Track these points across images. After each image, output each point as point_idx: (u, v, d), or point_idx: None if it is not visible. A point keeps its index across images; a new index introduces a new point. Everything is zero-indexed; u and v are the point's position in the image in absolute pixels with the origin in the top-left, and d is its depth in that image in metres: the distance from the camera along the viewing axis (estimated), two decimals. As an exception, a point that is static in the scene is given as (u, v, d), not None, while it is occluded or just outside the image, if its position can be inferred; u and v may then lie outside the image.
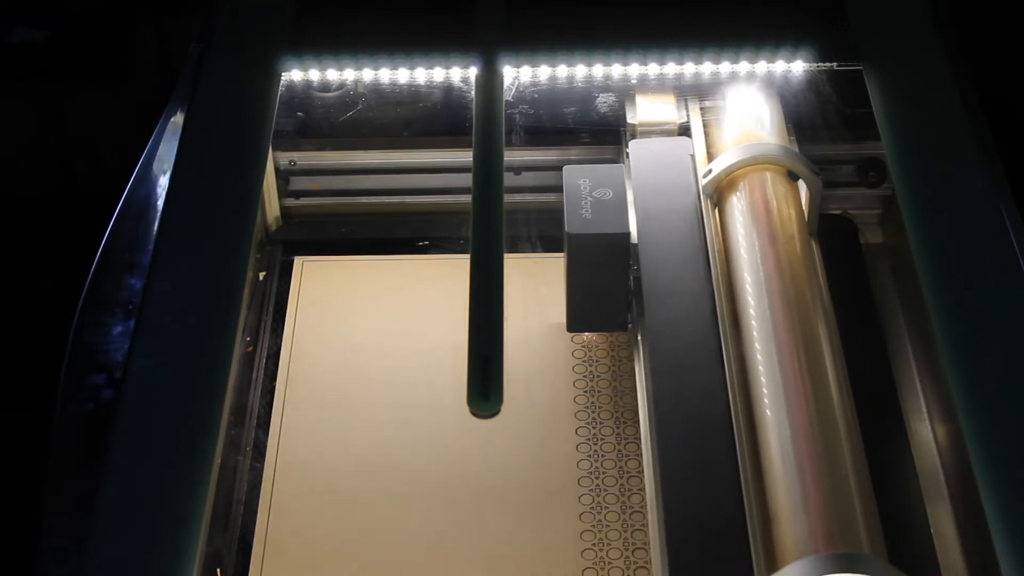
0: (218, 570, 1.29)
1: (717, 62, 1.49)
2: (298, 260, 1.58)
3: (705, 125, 1.50)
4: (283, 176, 1.62)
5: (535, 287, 1.52)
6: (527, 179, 1.60)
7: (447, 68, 1.50)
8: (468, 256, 1.28)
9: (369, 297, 1.54)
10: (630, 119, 1.52)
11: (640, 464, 1.37)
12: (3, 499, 1.93)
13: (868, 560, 1.07)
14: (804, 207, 1.40)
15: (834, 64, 1.49)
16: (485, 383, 1.18)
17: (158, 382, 1.21)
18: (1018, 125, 1.98)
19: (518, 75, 1.54)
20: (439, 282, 1.54)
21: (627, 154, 1.48)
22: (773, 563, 1.12)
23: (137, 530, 1.12)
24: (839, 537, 1.10)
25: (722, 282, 1.33)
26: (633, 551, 1.31)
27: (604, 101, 1.59)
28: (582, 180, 1.43)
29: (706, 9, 1.52)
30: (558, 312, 1.49)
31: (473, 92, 1.46)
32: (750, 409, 1.23)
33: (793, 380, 1.21)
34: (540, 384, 1.44)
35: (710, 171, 1.41)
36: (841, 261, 1.44)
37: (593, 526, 1.33)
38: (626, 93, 1.55)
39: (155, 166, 1.47)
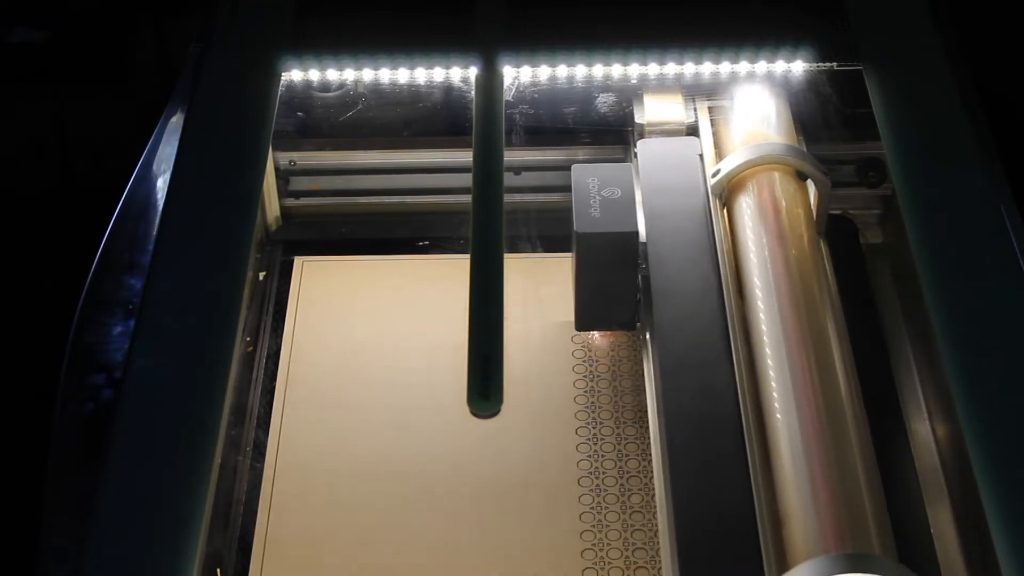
0: (218, 570, 1.29)
1: (717, 62, 1.49)
2: (298, 260, 1.58)
3: (713, 125, 1.50)
4: (283, 176, 1.62)
5: (535, 287, 1.52)
6: (528, 179, 1.60)
7: (447, 68, 1.50)
8: (468, 256, 1.28)
9: (369, 297, 1.54)
10: (638, 119, 1.52)
11: (640, 464, 1.37)
12: (3, 499, 1.93)
13: (879, 560, 1.07)
14: (812, 207, 1.40)
15: (834, 64, 1.49)
16: (485, 383, 1.18)
17: (158, 382, 1.21)
18: (1018, 125, 1.98)
19: (518, 75, 1.54)
20: (439, 282, 1.54)
21: (635, 154, 1.48)
22: (783, 563, 1.12)
23: (137, 530, 1.12)
24: (849, 537, 1.10)
25: (731, 282, 1.33)
26: (633, 551, 1.31)
27: (609, 101, 1.59)
28: (591, 179, 1.43)
29: (706, 9, 1.52)
30: (558, 312, 1.49)
31: (473, 92, 1.46)
32: (759, 408, 1.23)
33: (802, 379, 1.21)
34: (540, 384, 1.44)
35: (719, 171, 1.41)
36: (841, 261, 1.44)
37: (593, 526, 1.33)
38: (633, 93, 1.55)
39: (155, 166, 1.47)
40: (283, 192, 1.63)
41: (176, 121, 1.48)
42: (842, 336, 1.28)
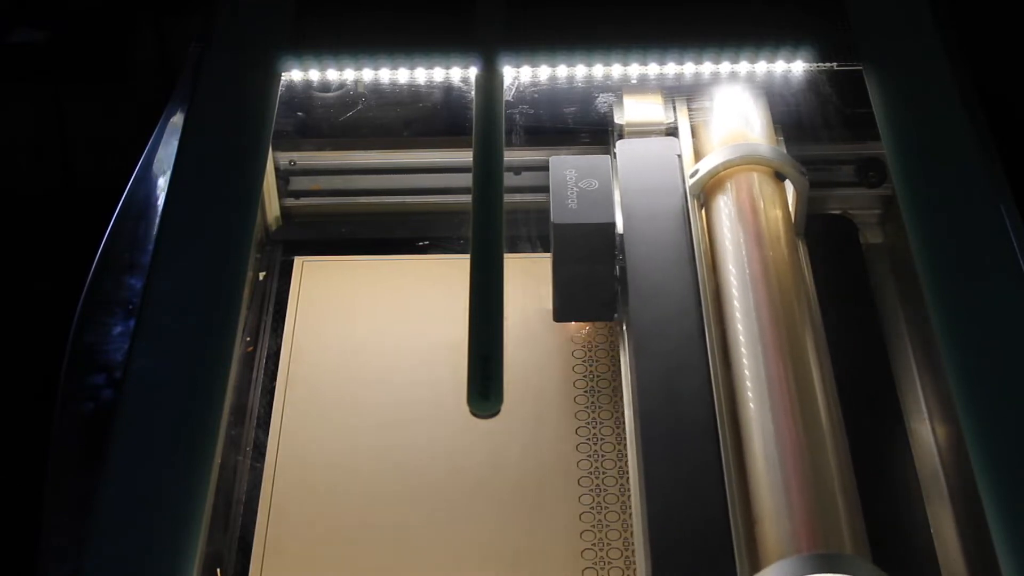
0: (218, 570, 1.29)
1: (717, 62, 1.49)
2: (298, 260, 1.58)
3: (693, 126, 1.50)
4: (283, 176, 1.62)
5: (535, 287, 1.52)
6: (527, 179, 1.60)
7: (447, 68, 1.50)
8: (468, 256, 1.28)
9: (369, 297, 1.54)
10: (618, 119, 1.52)
11: (640, 464, 1.38)
12: (3, 499, 1.93)
13: (851, 560, 1.07)
14: (791, 207, 1.40)
15: (834, 64, 1.49)
16: (485, 383, 1.18)
17: (158, 382, 1.21)
18: (1018, 125, 1.98)
19: (518, 75, 1.54)
20: (439, 282, 1.54)
21: (614, 154, 1.48)
22: (756, 563, 1.12)
23: (137, 530, 1.12)
24: (822, 538, 1.10)
25: (708, 282, 1.33)
26: (633, 551, 1.31)
27: (601, 101, 1.59)
28: (568, 171, 1.43)
29: (706, 9, 1.52)
30: (558, 312, 1.49)
31: (473, 92, 1.46)
32: (735, 409, 1.23)
33: (778, 380, 1.21)
34: (540, 384, 1.44)
35: (697, 171, 1.41)
36: (841, 261, 1.44)
37: (593, 526, 1.33)
38: (614, 93, 1.55)
39: (155, 166, 1.47)
40: (283, 192, 1.62)
41: (176, 121, 1.48)
42: (819, 337, 1.28)
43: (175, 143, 1.42)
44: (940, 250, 1.29)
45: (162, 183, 1.42)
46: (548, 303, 1.49)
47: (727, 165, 1.39)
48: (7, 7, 2.41)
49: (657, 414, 1.25)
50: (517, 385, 1.40)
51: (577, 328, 1.50)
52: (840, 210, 1.58)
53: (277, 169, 1.61)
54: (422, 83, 1.55)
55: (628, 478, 1.36)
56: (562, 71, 1.51)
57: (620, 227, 1.39)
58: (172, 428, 1.18)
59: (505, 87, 1.47)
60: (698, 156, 1.45)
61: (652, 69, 1.51)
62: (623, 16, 1.52)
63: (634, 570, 1.29)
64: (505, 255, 1.29)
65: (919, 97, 1.44)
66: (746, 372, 1.23)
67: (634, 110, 1.52)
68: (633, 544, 1.31)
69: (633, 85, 1.53)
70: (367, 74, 1.55)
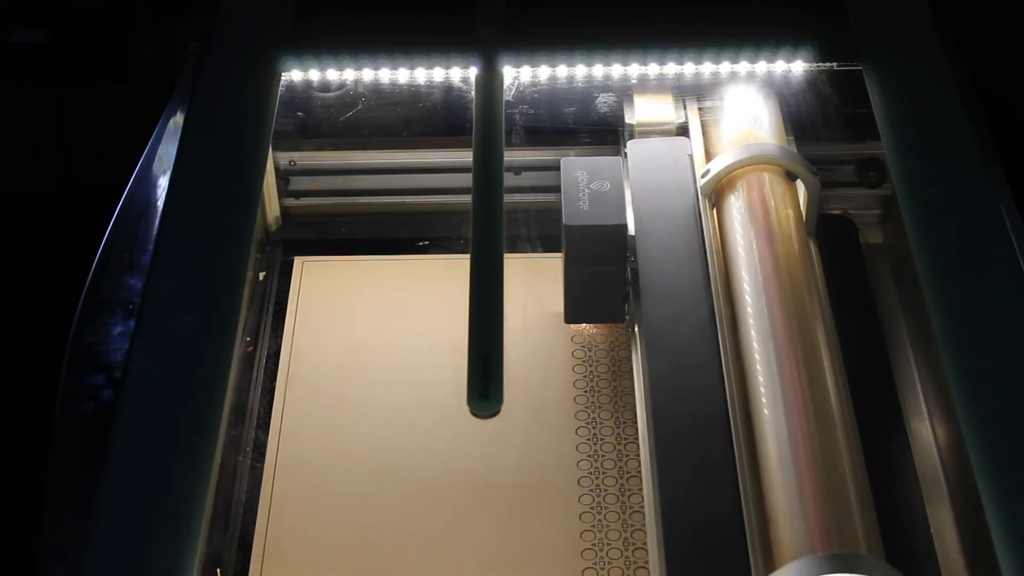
0: (218, 570, 1.29)
1: (717, 62, 1.49)
2: (298, 260, 1.58)
3: (703, 125, 1.50)
4: (283, 176, 1.62)
5: (535, 287, 1.52)
6: (527, 179, 1.60)
7: (447, 68, 1.50)
8: (468, 256, 1.28)
9: (369, 297, 1.54)
10: (628, 119, 1.52)
11: (640, 464, 1.37)
12: (3, 499, 1.93)
13: (865, 560, 1.07)
14: (802, 207, 1.40)
15: (834, 64, 1.49)
16: (485, 383, 1.18)
17: (158, 382, 1.21)
18: (1018, 125, 1.98)
19: (518, 75, 1.54)
20: (439, 282, 1.54)
21: (625, 154, 1.48)
22: (771, 563, 1.12)
23: (137, 530, 1.12)
24: (836, 537, 1.10)
25: (720, 282, 1.33)
26: (633, 551, 1.31)
27: (603, 101, 1.59)
28: (580, 172, 1.43)
29: (706, 9, 1.52)
30: (558, 312, 1.49)
31: (473, 92, 1.46)
32: (748, 408, 1.23)
33: (791, 380, 1.21)
34: (540, 384, 1.44)
35: (708, 171, 1.41)
36: (841, 261, 1.44)
37: (593, 526, 1.33)
38: (624, 93, 1.55)
39: (155, 166, 1.47)
40: (283, 192, 1.63)
41: (176, 121, 1.48)
42: (831, 336, 1.28)
43: (175, 143, 1.42)
44: (940, 250, 1.29)
45: (162, 183, 1.42)
46: (548, 303, 1.49)
47: (738, 165, 1.39)
48: (7, 7, 2.41)
49: (670, 414, 1.25)
50: (517, 385, 1.40)
51: (577, 328, 1.50)
52: (840, 210, 1.58)
53: (277, 169, 1.61)
54: (422, 83, 1.55)
55: (628, 478, 1.36)
56: (563, 71, 1.51)
57: (632, 228, 1.39)
58: (172, 428, 1.18)
59: (505, 87, 1.47)
60: (709, 156, 1.45)
61: (652, 69, 1.51)
62: (623, 16, 1.52)
63: (635, 570, 1.29)
64: (505, 255, 1.29)
65: (919, 97, 1.44)
66: (759, 372, 1.23)
67: (645, 110, 1.52)
68: (633, 544, 1.31)
69: (643, 85, 1.53)
70: (367, 74, 1.55)
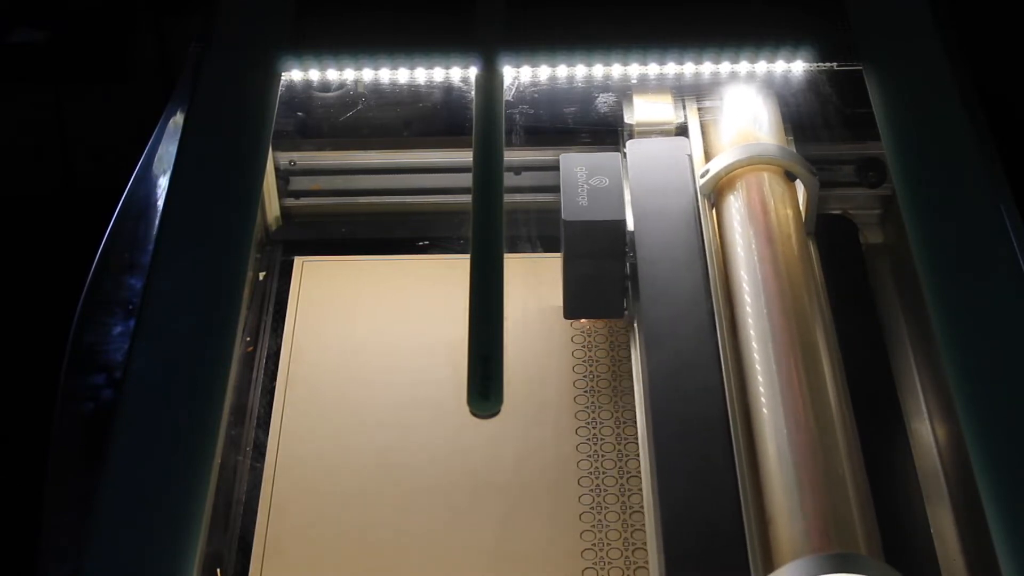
0: (218, 570, 1.29)
1: (717, 62, 1.49)
2: (298, 260, 1.58)
3: (703, 125, 1.50)
4: (283, 176, 1.62)
5: (535, 287, 1.52)
6: (527, 179, 1.60)
7: (447, 68, 1.50)
8: (468, 256, 1.28)
9: (369, 297, 1.54)
10: (627, 119, 1.52)
11: (640, 464, 1.37)
12: (3, 499, 1.93)
13: (864, 560, 1.07)
14: (802, 207, 1.40)
15: (834, 64, 1.49)
16: (485, 383, 1.18)
17: (158, 382, 1.21)
18: (1018, 125, 1.98)
19: (518, 75, 1.54)
20: (439, 282, 1.54)
21: (624, 154, 1.48)
22: (770, 563, 1.12)
23: (137, 530, 1.12)
24: (835, 537, 1.10)
25: (719, 282, 1.33)
26: (633, 551, 1.31)
27: (603, 101, 1.59)
28: (579, 168, 1.44)
29: (706, 9, 1.52)
30: (558, 312, 1.49)
31: (473, 92, 1.46)
32: (747, 408, 1.23)
33: (790, 380, 1.21)
34: (540, 384, 1.44)
35: (707, 171, 1.41)
36: (841, 261, 1.44)
37: (593, 526, 1.33)
38: (623, 93, 1.55)
39: (155, 166, 1.47)
40: (283, 192, 1.63)
41: (176, 121, 1.48)
42: (830, 337, 1.28)
43: (175, 143, 1.42)
44: (940, 250, 1.29)
45: (162, 183, 1.42)
46: (548, 303, 1.49)
47: (738, 165, 1.39)
48: (7, 7, 2.41)
49: (669, 412, 1.25)
50: (517, 385, 1.40)
51: (577, 328, 1.50)
52: (840, 210, 1.58)
53: (277, 169, 1.61)
54: (422, 83, 1.55)
55: (628, 478, 1.36)
56: (563, 71, 1.51)
57: (630, 225, 1.40)
58: (172, 428, 1.18)
59: (505, 87, 1.47)
60: (708, 156, 1.45)
61: (652, 69, 1.51)
62: (623, 16, 1.52)
63: (635, 570, 1.29)
64: (505, 255, 1.29)
65: (919, 97, 1.44)
66: (758, 372, 1.23)
67: (644, 110, 1.52)
68: (633, 544, 1.31)
69: (642, 85, 1.53)
70: (367, 74, 1.55)
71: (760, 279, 1.30)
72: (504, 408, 1.17)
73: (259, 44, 1.51)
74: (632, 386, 1.44)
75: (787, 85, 1.52)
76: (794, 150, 1.43)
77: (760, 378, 1.23)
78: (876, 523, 1.14)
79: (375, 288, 1.55)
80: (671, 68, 1.50)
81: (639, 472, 1.37)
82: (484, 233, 1.30)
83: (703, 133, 1.49)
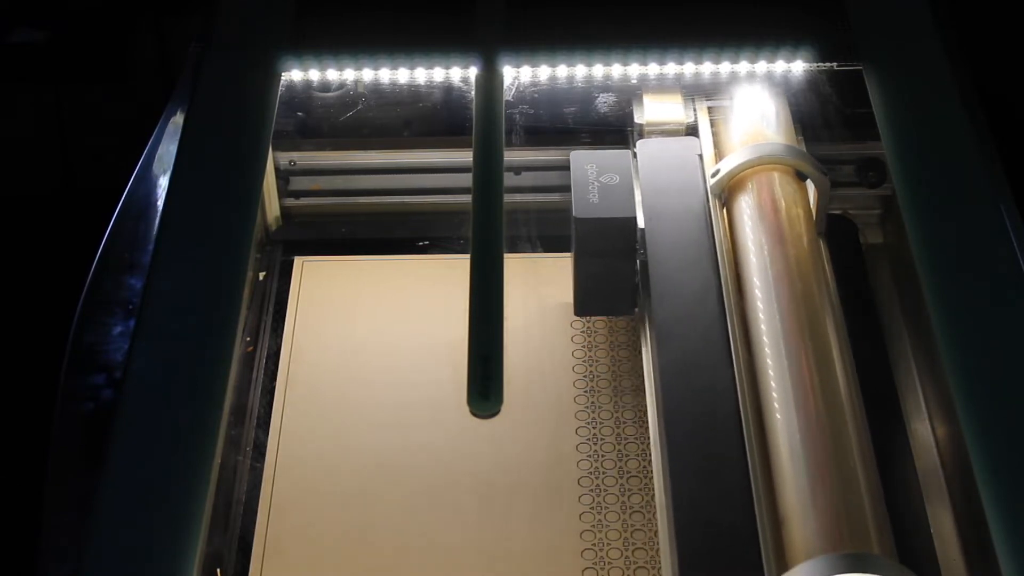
0: (218, 570, 1.29)
1: (717, 62, 1.49)
2: (298, 260, 1.58)
3: (713, 125, 1.50)
4: (283, 176, 1.62)
5: (535, 287, 1.52)
6: (527, 179, 1.60)
7: (447, 68, 1.50)
8: (468, 256, 1.28)
9: (369, 297, 1.54)
10: (637, 119, 1.52)
11: (640, 464, 1.37)
12: (3, 499, 1.93)
13: (878, 560, 1.07)
14: (812, 206, 1.40)
15: (834, 64, 1.49)
16: (485, 383, 1.18)
17: (158, 382, 1.21)
18: (1018, 125, 1.98)
19: (518, 75, 1.54)
20: (439, 282, 1.54)
21: (635, 153, 1.48)
22: (783, 563, 1.12)
23: (137, 530, 1.12)
24: (849, 537, 1.10)
25: (730, 281, 1.33)
26: (633, 551, 1.31)
27: (606, 101, 1.59)
28: (589, 165, 1.44)
29: (706, 9, 1.52)
30: (558, 313, 1.49)
31: (473, 92, 1.46)
32: (759, 408, 1.23)
33: (802, 379, 1.21)
34: (540, 384, 1.44)
35: (718, 171, 1.41)
36: (841, 261, 1.44)
37: (593, 526, 1.33)
38: (633, 93, 1.55)
39: (155, 166, 1.47)
40: (283, 192, 1.63)
41: (176, 121, 1.48)
42: (841, 336, 1.28)
43: (175, 143, 1.42)
44: (940, 250, 1.29)
45: (162, 183, 1.42)
46: (548, 302, 1.49)
47: (748, 165, 1.39)
48: (7, 7, 2.41)
49: (681, 410, 1.25)
50: (517, 385, 1.40)
51: (577, 328, 1.50)
52: (840, 210, 1.58)
53: (277, 169, 1.61)
54: (422, 83, 1.55)
55: (628, 478, 1.36)
56: (563, 71, 1.51)
57: (641, 222, 1.40)
58: (172, 428, 1.18)
59: (505, 87, 1.47)
60: (719, 155, 1.45)
61: (656, 69, 1.51)
62: (623, 16, 1.52)
63: (635, 570, 1.29)
64: (505, 255, 1.29)
65: (919, 97, 1.44)
66: (770, 371, 1.23)
67: (654, 110, 1.52)
68: (633, 544, 1.31)
69: (652, 84, 1.53)
70: (367, 74, 1.55)
71: (771, 278, 1.30)
72: (504, 408, 1.17)
73: (259, 44, 1.51)
74: (633, 385, 1.44)
75: (788, 85, 1.52)
76: (804, 149, 1.43)
77: (772, 377, 1.23)
78: (889, 522, 1.14)
79: (375, 288, 1.55)
80: (671, 68, 1.50)
81: (639, 472, 1.37)
82: (484, 233, 1.30)
83: (713, 133, 1.49)
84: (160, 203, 1.38)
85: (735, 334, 1.29)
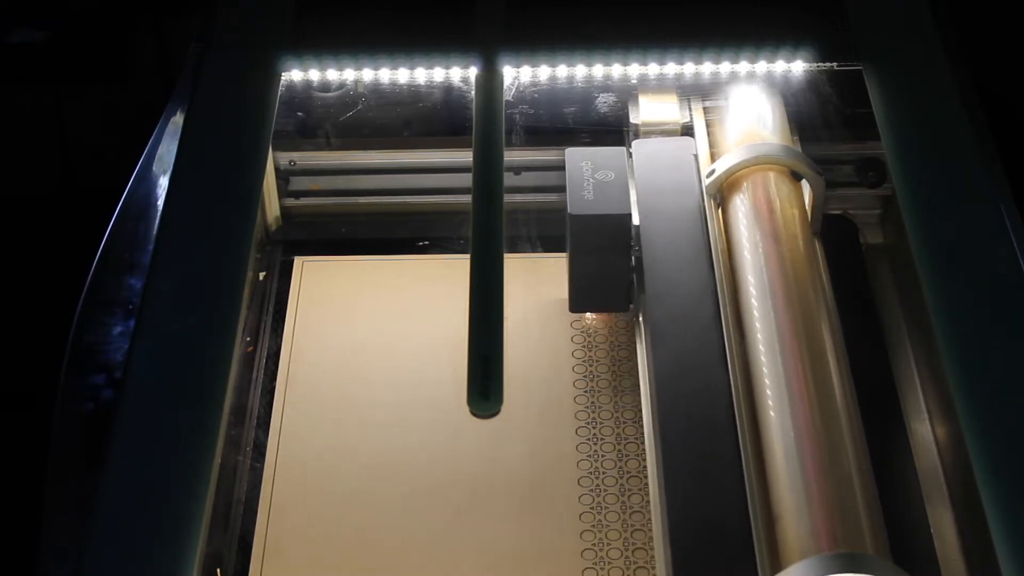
0: (218, 570, 1.29)
1: (717, 62, 1.49)
2: (298, 260, 1.58)
3: (708, 125, 1.50)
4: (283, 176, 1.62)
5: (535, 287, 1.52)
6: (527, 179, 1.60)
7: (447, 68, 1.50)
8: (468, 256, 1.28)
9: (369, 297, 1.54)
10: (633, 119, 1.52)
11: (640, 464, 1.37)
12: (3, 499, 1.93)
13: (872, 560, 1.07)
14: (807, 207, 1.40)
15: (834, 64, 1.49)
16: (485, 383, 1.18)
17: (158, 382, 1.21)
18: (1018, 125, 1.98)
19: (518, 75, 1.54)
20: (439, 282, 1.54)
21: (630, 154, 1.48)
22: (777, 563, 1.12)
23: (137, 530, 1.12)
24: (843, 537, 1.10)
25: (725, 281, 1.33)
26: (633, 551, 1.31)
27: (605, 101, 1.59)
28: (584, 162, 1.44)
29: (706, 9, 1.52)
30: (558, 313, 1.49)
31: (473, 92, 1.46)
32: (753, 408, 1.23)
33: (796, 379, 1.21)
34: (540, 384, 1.44)
35: (713, 171, 1.41)
36: (841, 261, 1.44)
37: (593, 526, 1.33)
38: (628, 93, 1.55)
39: (155, 166, 1.47)
40: (283, 192, 1.63)
41: (176, 121, 1.48)
42: (837, 336, 1.28)
43: (175, 143, 1.42)
44: (940, 250, 1.29)
45: (162, 183, 1.42)
46: (548, 302, 1.49)
47: (743, 165, 1.39)
48: (7, 7, 2.41)
49: (675, 410, 1.25)
50: (517, 385, 1.40)
51: (578, 328, 1.50)
52: (840, 210, 1.58)
53: (277, 169, 1.61)
54: (422, 83, 1.55)
55: (628, 478, 1.36)
56: (563, 71, 1.51)
57: (636, 219, 1.40)
58: (172, 428, 1.18)
59: (505, 87, 1.47)
60: (714, 156, 1.45)
61: (653, 69, 1.51)
62: (623, 16, 1.52)
63: (635, 570, 1.29)
64: (505, 255, 1.29)
65: (919, 97, 1.44)
66: (764, 370, 1.23)
67: (650, 110, 1.52)
68: (633, 544, 1.31)
69: (648, 85, 1.53)
70: (367, 74, 1.55)
71: (766, 279, 1.30)
72: (504, 408, 1.17)
73: (259, 44, 1.51)
74: (633, 385, 1.44)
75: (787, 85, 1.52)
76: (800, 150, 1.43)
77: (767, 377, 1.23)
78: (883, 522, 1.14)
79: (375, 288, 1.55)
80: (672, 68, 1.50)
81: (639, 472, 1.37)
82: (484, 233, 1.30)
83: (708, 133, 1.49)
84: (160, 203, 1.38)
85: (730, 333, 1.29)
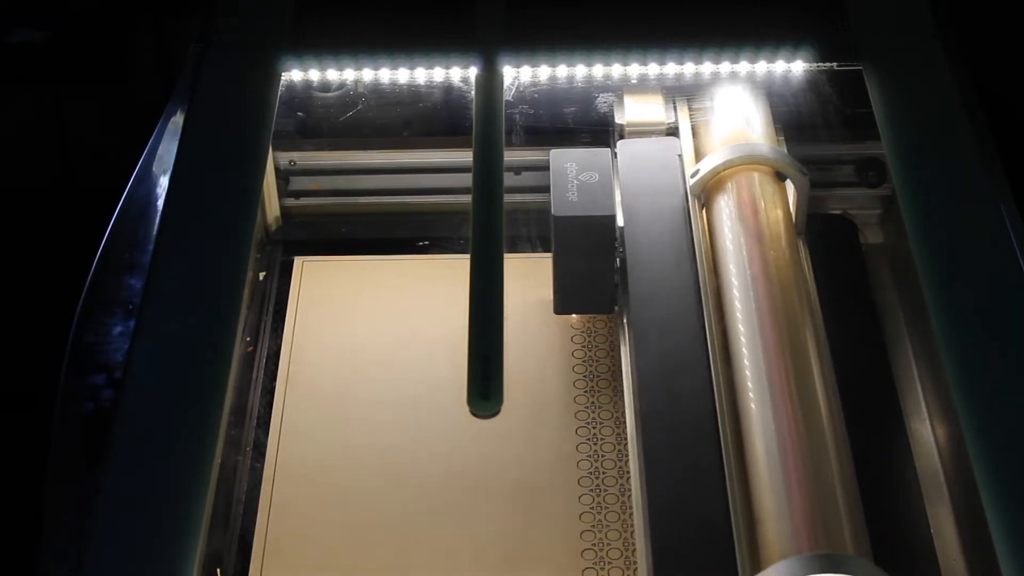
0: (218, 570, 1.29)
1: (717, 62, 1.49)
2: (298, 260, 1.58)
3: (693, 126, 1.50)
4: (283, 176, 1.62)
5: (535, 287, 1.52)
6: (527, 179, 1.60)
7: (447, 68, 1.50)
8: (468, 256, 1.28)
9: (369, 297, 1.54)
10: (618, 119, 1.52)
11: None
12: (3, 499, 1.93)
13: (852, 560, 1.07)
14: (792, 207, 1.40)
15: (834, 64, 1.49)
16: (485, 383, 1.18)
17: (158, 382, 1.21)
18: (1018, 125, 1.98)
19: (518, 75, 1.54)
20: (439, 282, 1.54)
21: (615, 154, 1.48)
22: (757, 563, 1.12)
23: (137, 530, 1.12)
24: (823, 538, 1.10)
25: (709, 282, 1.33)
26: (633, 551, 1.31)
27: (603, 101, 1.59)
28: (568, 164, 1.44)
29: (706, 9, 1.52)
30: (558, 312, 1.49)
31: (473, 92, 1.46)
32: (735, 408, 1.23)
33: (779, 380, 1.21)
34: (540, 384, 1.44)
35: (697, 171, 1.41)
36: (841, 261, 1.44)
37: (593, 526, 1.33)
38: (614, 93, 1.55)
39: (155, 166, 1.47)
40: (283, 192, 1.63)
41: (176, 121, 1.48)
42: (820, 337, 1.28)
43: (175, 143, 1.42)
44: (940, 250, 1.29)
45: (162, 183, 1.42)
46: (549, 303, 1.49)
47: (728, 165, 1.39)
48: (7, 7, 2.41)
49: (658, 411, 1.25)
50: (517, 385, 1.40)
51: (577, 328, 1.50)
52: (840, 210, 1.58)
53: (277, 169, 1.61)
54: (422, 83, 1.56)
55: (628, 478, 1.36)
56: (562, 71, 1.51)
57: (620, 221, 1.40)
58: (172, 428, 1.18)
59: (505, 87, 1.47)
60: (699, 156, 1.45)
61: (652, 69, 1.51)
62: (623, 16, 1.52)
63: (634, 570, 1.29)
64: (505, 255, 1.29)
65: (919, 97, 1.44)
66: (747, 371, 1.23)
67: (635, 110, 1.52)
68: (633, 544, 1.31)
69: (634, 85, 1.53)
70: (367, 74, 1.55)
71: (749, 279, 1.30)
72: (504, 408, 1.17)
73: (259, 44, 1.51)
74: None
75: (786, 85, 1.52)
76: (784, 150, 1.43)
77: (749, 378, 1.23)
78: (864, 523, 1.14)
79: (375, 288, 1.55)
80: (670, 68, 1.50)
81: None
82: (484, 233, 1.30)
83: (694, 133, 1.49)
84: (160, 203, 1.38)
85: (713, 334, 1.29)
